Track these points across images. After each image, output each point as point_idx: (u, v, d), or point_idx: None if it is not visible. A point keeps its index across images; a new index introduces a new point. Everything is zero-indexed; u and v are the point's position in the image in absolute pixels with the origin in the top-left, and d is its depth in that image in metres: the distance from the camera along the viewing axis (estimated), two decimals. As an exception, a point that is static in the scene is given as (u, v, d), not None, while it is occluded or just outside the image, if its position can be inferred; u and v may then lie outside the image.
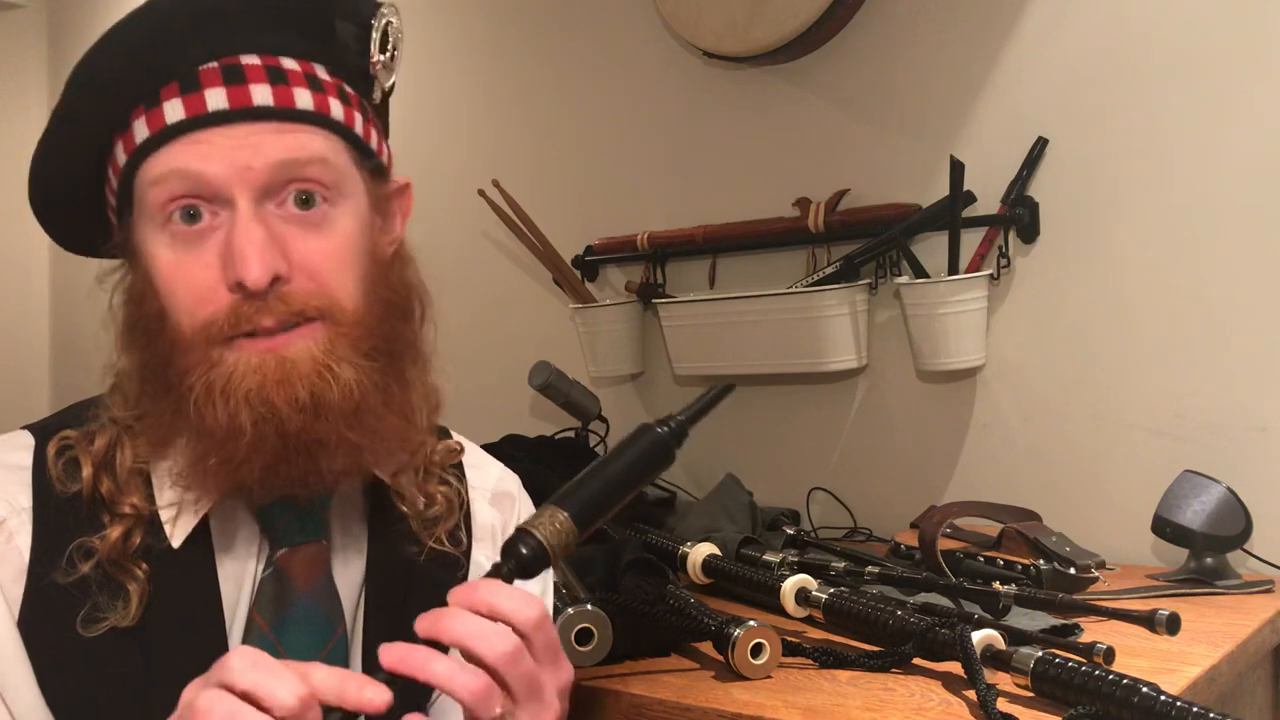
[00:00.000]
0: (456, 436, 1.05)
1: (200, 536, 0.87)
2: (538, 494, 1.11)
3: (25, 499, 0.85)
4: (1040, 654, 1.05)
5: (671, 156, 2.26)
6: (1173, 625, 1.18)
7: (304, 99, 0.85)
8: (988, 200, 1.85)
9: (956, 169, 1.78)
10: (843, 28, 2.00)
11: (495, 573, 0.75)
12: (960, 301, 1.78)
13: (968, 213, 1.84)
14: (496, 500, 1.04)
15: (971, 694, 1.06)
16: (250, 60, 0.84)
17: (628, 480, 0.79)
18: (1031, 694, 1.06)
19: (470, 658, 0.72)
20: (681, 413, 0.83)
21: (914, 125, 1.95)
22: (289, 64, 0.85)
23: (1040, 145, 1.81)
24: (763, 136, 2.13)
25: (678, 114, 2.25)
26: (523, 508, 1.06)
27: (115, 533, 0.84)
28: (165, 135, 0.82)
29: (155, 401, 0.85)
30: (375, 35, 0.90)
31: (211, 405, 0.81)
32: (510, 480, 1.08)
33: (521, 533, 0.76)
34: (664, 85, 2.26)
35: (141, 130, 0.83)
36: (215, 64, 0.83)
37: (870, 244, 1.91)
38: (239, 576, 0.88)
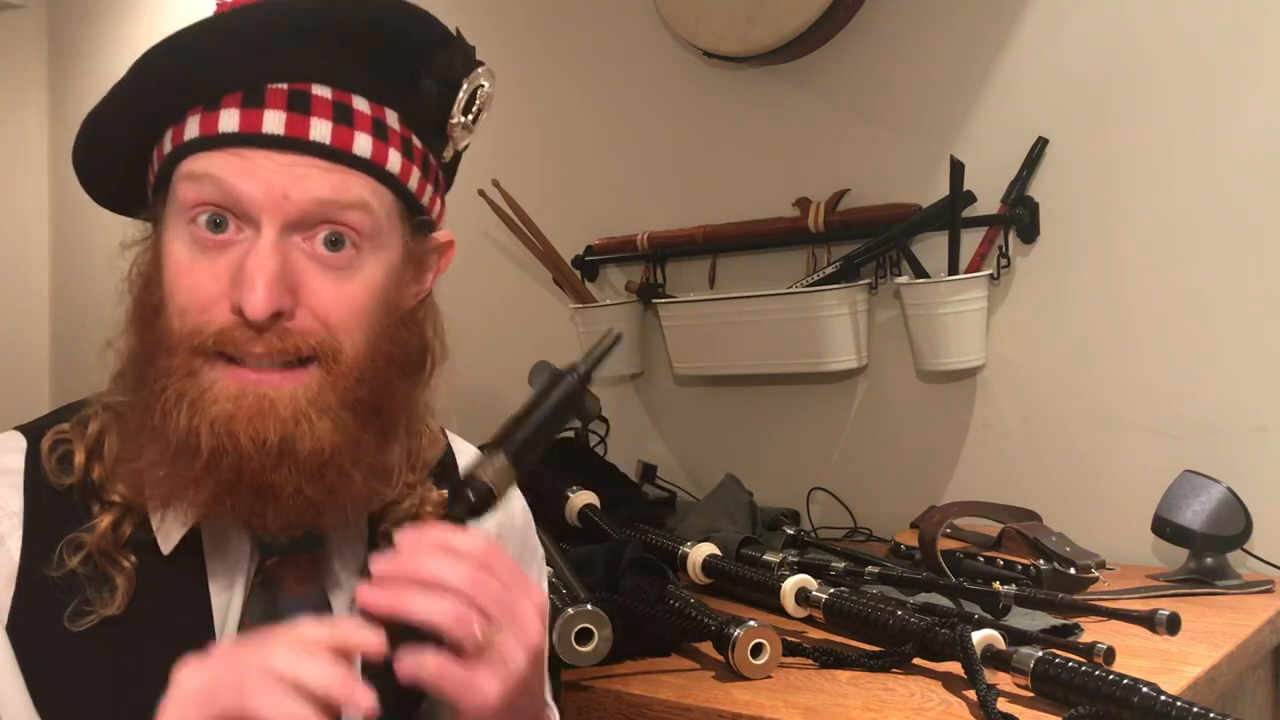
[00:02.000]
0: (451, 437, 1.05)
1: (192, 539, 0.87)
2: (538, 494, 1.11)
3: (16, 503, 0.85)
4: (1040, 654, 1.06)
5: (671, 156, 2.26)
6: (1173, 625, 1.18)
7: (363, 145, 0.82)
8: (988, 200, 1.85)
9: (956, 169, 1.78)
10: (843, 28, 2.00)
11: (448, 518, 0.78)
12: (960, 301, 1.78)
13: (968, 213, 1.84)
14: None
15: (971, 694, 1.06)
16: (321, 91, 0.82)
17: (551, 422, 0.84)
18: (1031, 694, 1.06)
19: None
20: (582, 362, 0.87)
21: (914, 125, 1.95)
22: (359, 104, 0.83)
23: (1040, 145, 1.81)
24: (763, 136, 2.13)
25: (678, 114, 2.25)
26: (516, 505, 1.05)
27: (105, 522, 0.84)
28: (213, 142, 0.81)
29: (135, 391, 0.84)
30: (462, 96, 0.88)
31: (177, 414, 0.79)
32: None
33: (468, 478, 0.80)
34: (664, 85, 2.26)
35: (193, 128, 0.82)
36: (284, 86, 0.81)
37: (870, 244, 1.91)
38: (230, 581, 0.88)
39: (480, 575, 0.73)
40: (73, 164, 0.90)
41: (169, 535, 0.86)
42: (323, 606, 0.89)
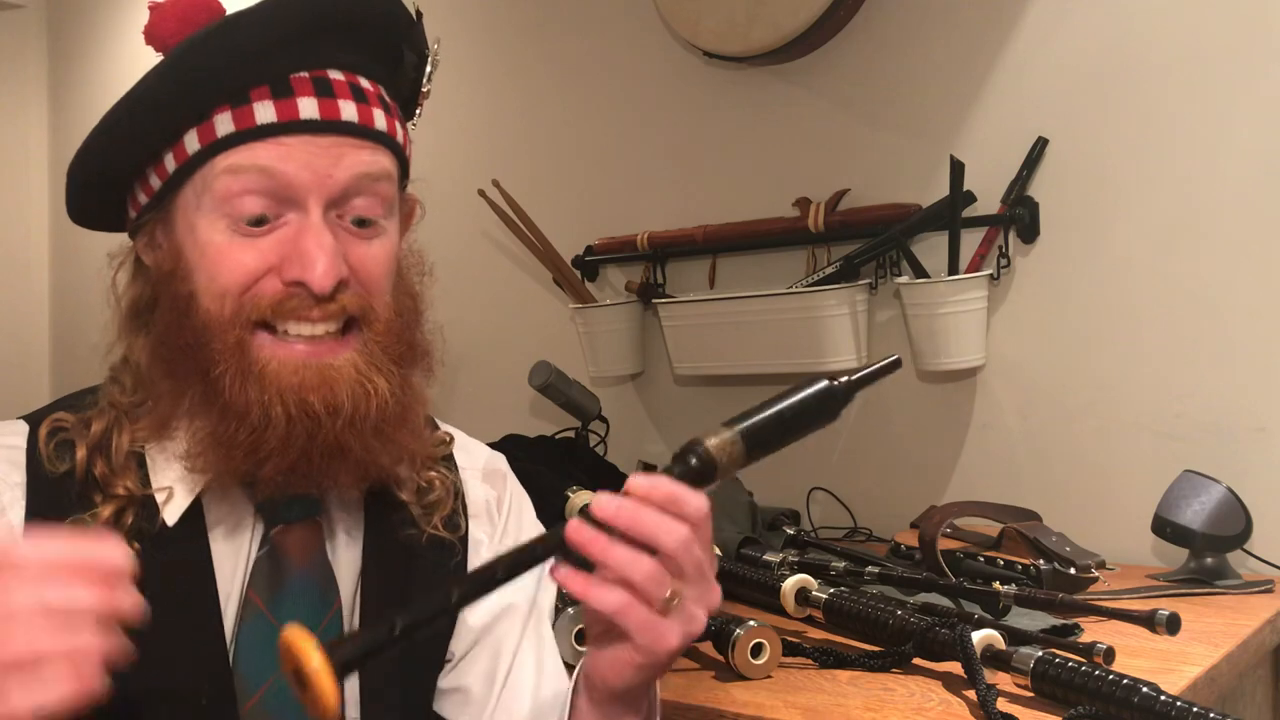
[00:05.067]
0: (444, 426, 1.06)
1: (194, 515, 0.89)
2: (538, 494, 1.11)
3: (19, 476, 0.87)
4: (1040, 654, 1.06)
5: (671, 156, 2.26)
6: (1173, 625, 1.18)
7: (380, 120, 0.89)
8: (988, 200, 1.85)
9: (956, 169, 1.78)
10: (843, 28, 2.00)
11: (666, 474, 0.80)
12: (960, 301, 1.78)
13: (968, 213, 1.84)
14: (489, 478, 1.06)
15: (971, 694, 1.06)
16: (336, 76, 0.88)
17: (796, 420, 0.82)
18: (1031, 694, 1.06)
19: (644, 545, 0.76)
20: (852, 374, 0.86)
21: (914, 125, 1.95)
22: (365, 84, 0.90)
23: (1040, 145, 1.81)
24: (763, 136, 2.13)
25: (678, 114, 2.25)
26: (512, 484, 1.08)
27: (107, 511, 0.86)
28: (253, 134, 0.85)
29: (168, 382, 0.87)
30: (428, 67, 0.96)
31: (244, 390, 0.83)
32: (499, 459, 1.10)
33: (693, 443, 0.80)
34: (664, 85, 2.26)
35: (225, 125, 0.85)
36: (306, 74, 0.87)
37: (870, 244, 1.91)
38: (234, 554, 0.90)
39: (690, 539, 0.76)
40: (69, 174, 0.91)
41: (174, 512, 0.88)
42: (327, 575, 0.91)
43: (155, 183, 0.88)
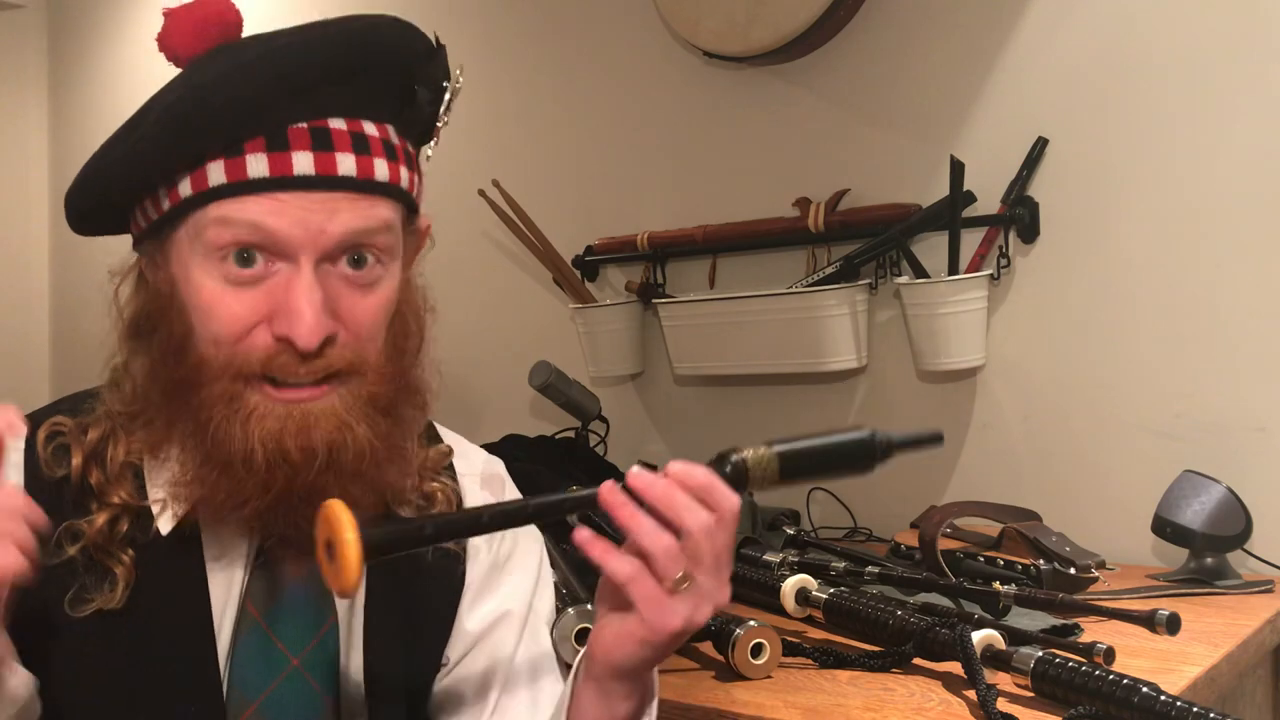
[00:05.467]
0: (438, 427, 1.06)
1: (190, 526, 0.89)
2: (538, 493, 1.11)
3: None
4: (1040, 654, 1.06)
5: (671, 156, 2.26)
6: (1173, 625, 1.18)
7: (381, 170, 0.86)
8: (988, 200, 1.85)
9: (956, 169, 1.78)
10: (843, 28, 2.00)
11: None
12: (960, 301, 1.78)
13: (968, 213, 1.84)
14: (487, 483, 1.06)
15: (971, 694, 1.06)
16: (337, 125, 0.85)
17: (831, 458, 0.86)
18: (1031, 694, 1.06)
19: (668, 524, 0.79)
20: (897, 434, 0.89)
21: (914, 125, 1.95)
22: (370, 129, 0.87)
23: (1040, 145, 1.81)
24: (763, 136, 2.13)
25: (678, 114, 2.24)
26: (510, 489, 1.08)
27: (101, 519, 0.86)
28: (245, 188, 0.83)
29: (162, 406, 0.87)
30: (447, 97, 0.93)
31: (229, 436, 0.83)
32: (496, 463, 1.10)
33: (730, 450, 0.84)
34: (664, 85, 2.26)
35: (218, 175, 0.83)
36: (304, 125, 0.84)
37: (870, 244, 1.91)
38: (231, 566, 0.90)
39: (715, 526, 0.79)
40: (67, 200, 0.91)
41: (169, 523, 0.88)
42: (323, 588, 0.90)
43: (153, 214, 0.88)
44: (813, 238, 2.01)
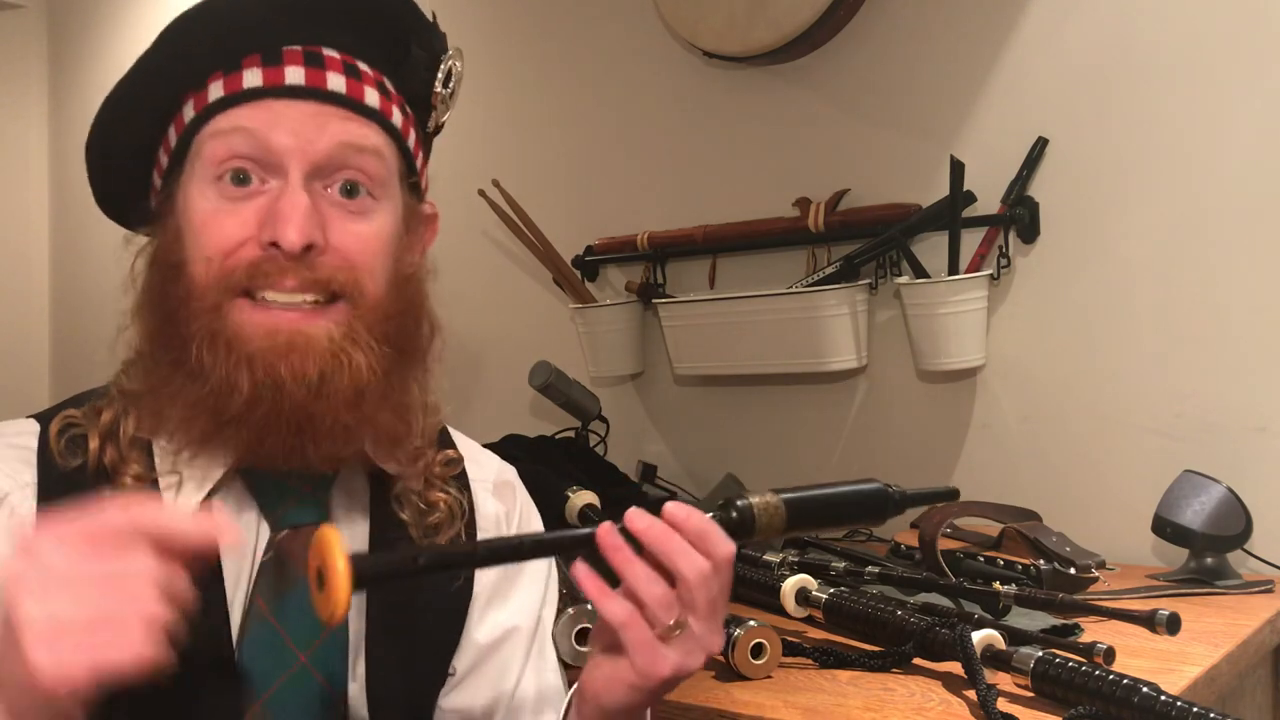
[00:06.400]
0: (452, 432, 1.05)
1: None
2: (538, 494, 1.11)
3: (29, 475, 0.87)
4: (1040, 654, 1.06)
5: (671, 156, 2.26)
6: (1173, 625, 1.18)
7: (372, 98, 0.90)
8: (988, 200, 1.85)
9: (956, 169, 1.78)
10: (843, 28, 2.00)
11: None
12: (960, 301, 1.78)
13: (968, 213, 1.84)
14: (499, 490, 1.05)
15: (971, 694, 1.06)
16: (330, 53, 0.89)
17: (841, 508, 0.87)
18: (1031, 694, 1.06)
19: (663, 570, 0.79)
20: (910, 489, 0.90)
21: (914, 125, 1.95)
22: (363, 67, 0.91)
23: (1040, 145, 1.81)
24: (763, 136, 2.13)
25: (678, 114, 2.25)
26: (522, 497, 1.08)
27: None
28: (239, 98, 0.86)
29: (158, 365, 0.87)
30: (441, 70, 0.96)
31: (213, 354, 0.83)
32: (509, 471, 1.09)
33: (738, 496, 0.85)
34: (664, 85, 2.26)
35: (216, 90, 0.87)
36: (299, 47, 0.88)
37: (870, 244, 1.91)
38: (239, 557, 0.90)
39: (710, 574, 0.79)
40: (88, 157, 0.92)
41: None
42: None
43: (164, 160, 0.90)
44: (813, 238, 2.01)
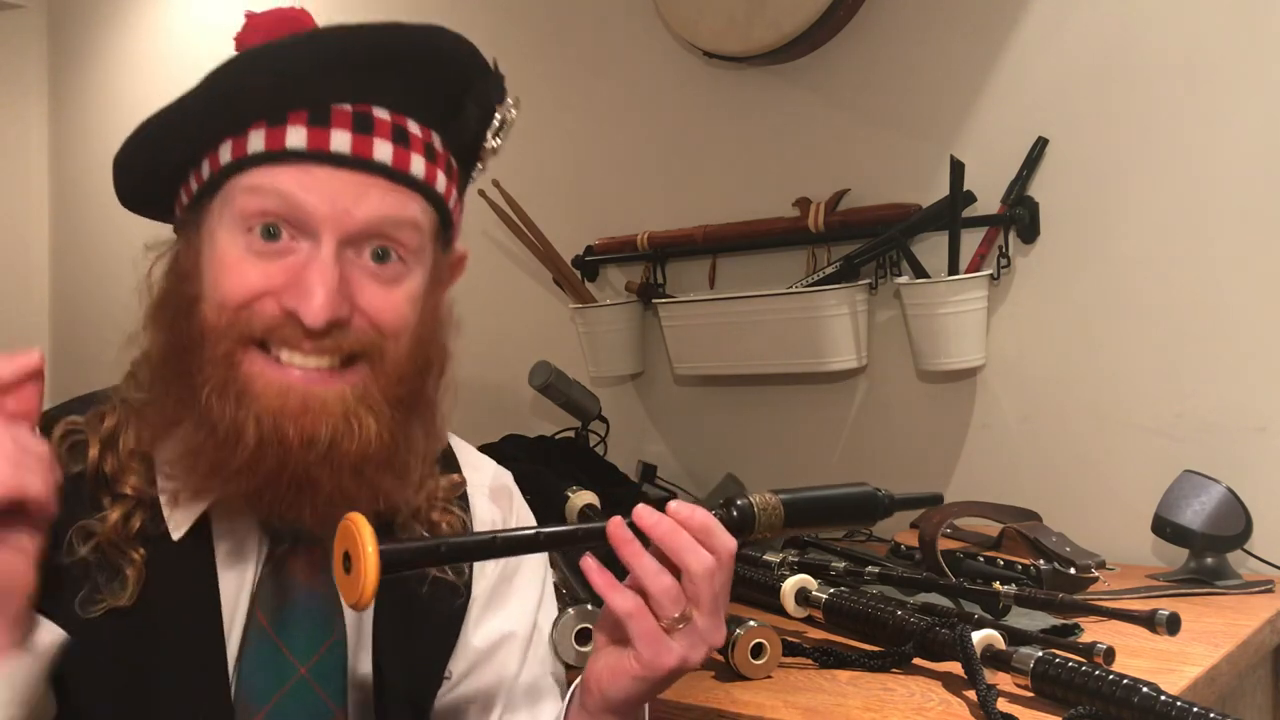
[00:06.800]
0: (451, 438, 1.05)
1: (201, 528, 0.88)
2: (538, 494, 1.11)
3: None
4: (1040, 654, 1.06)
5: (671, 156, 2.26)
6: (1173, 625, 1.18)
7: (418, 166, 0.87)
8: (988, 200, 1.85)
9: (956, 169, 1.78)
10: (843, 27, 2.00)
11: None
12: (960, 301, 1.78)
13: (968, 213, 1.84)
14: (495, 495, 1.06)
15: (971, 694, 1.06)
16: (381, 114, 0.86)
17: (837, 509, 0.93)
18: (1031, 694, 1.06)
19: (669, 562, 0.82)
20: (898, 493, 0.96)
21: (914, 125, 1.95)
22: (413, 128, 0.87)
23: (1040, 145, 1.81)
24: (763, 136, 2.13)
25: (678, 114, 2.24)
26: (517, 502, 1.08)
27: (115, 514, 0.86)
28: (280, 157, 0.83)
29: (166, 386, 0.86)
30: (495, 123, 0.93)
31: (222, 404, 0.82)
32: (505, 475, 1.09)
33: (738, 495, 0.88)
34: (664, 85, 2.26)
35: (257, 143, 0.84)
36: (349, 106, 0.85)
37: (870, 244, 1.91)
38: (240, 571, 0.89)
39: (715, 569, 0.82)
40: (115, 164, 0.91)
41: (180, 524, 0.88)
42: (331, 598, 0.90)
43: (194, 186, 0.88)
44: (813, 238, 2.01)
